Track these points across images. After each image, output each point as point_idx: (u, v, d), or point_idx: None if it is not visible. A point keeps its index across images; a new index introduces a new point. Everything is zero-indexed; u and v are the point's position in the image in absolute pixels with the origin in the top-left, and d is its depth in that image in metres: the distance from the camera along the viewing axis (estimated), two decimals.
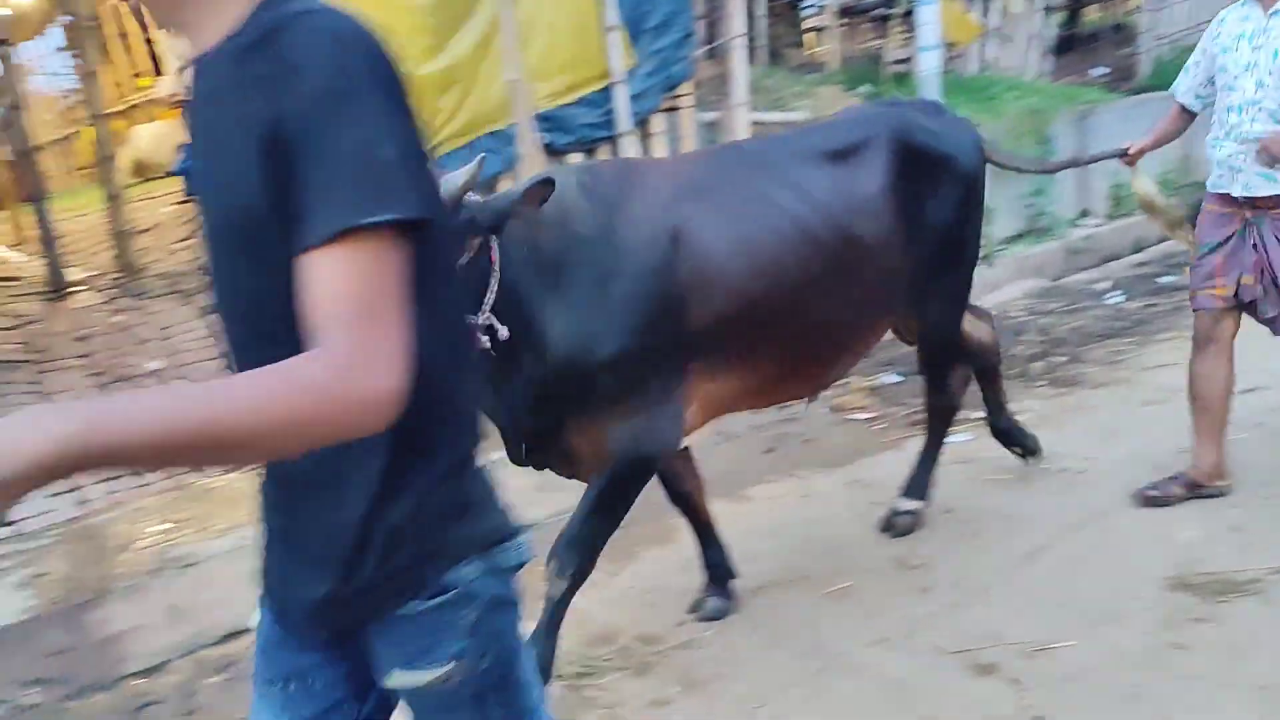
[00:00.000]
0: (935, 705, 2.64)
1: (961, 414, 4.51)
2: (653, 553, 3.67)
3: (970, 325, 3.60)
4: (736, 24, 6.43)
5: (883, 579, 3.29)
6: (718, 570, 3.24)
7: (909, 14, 8.59)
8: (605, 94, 5.89)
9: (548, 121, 5.59)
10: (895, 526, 3.56)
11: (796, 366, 2.95)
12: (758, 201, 2.77)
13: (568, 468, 2.78)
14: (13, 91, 7.45)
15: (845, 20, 10.25)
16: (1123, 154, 3.66)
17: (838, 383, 3.70)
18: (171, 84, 9.00)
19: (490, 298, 2.34)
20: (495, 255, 2.38)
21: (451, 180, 2.13)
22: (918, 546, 3.47)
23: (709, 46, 6.77)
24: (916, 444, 4.31)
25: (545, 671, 2.71)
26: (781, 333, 2.80)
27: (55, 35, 12.24)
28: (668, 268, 2.56)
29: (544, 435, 2.64)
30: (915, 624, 3.01)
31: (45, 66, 14.32)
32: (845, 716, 2.64)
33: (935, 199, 3.09)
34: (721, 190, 2.75)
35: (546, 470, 3.13)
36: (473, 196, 2.29)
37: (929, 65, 6.87)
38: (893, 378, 5.13)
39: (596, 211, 2.55)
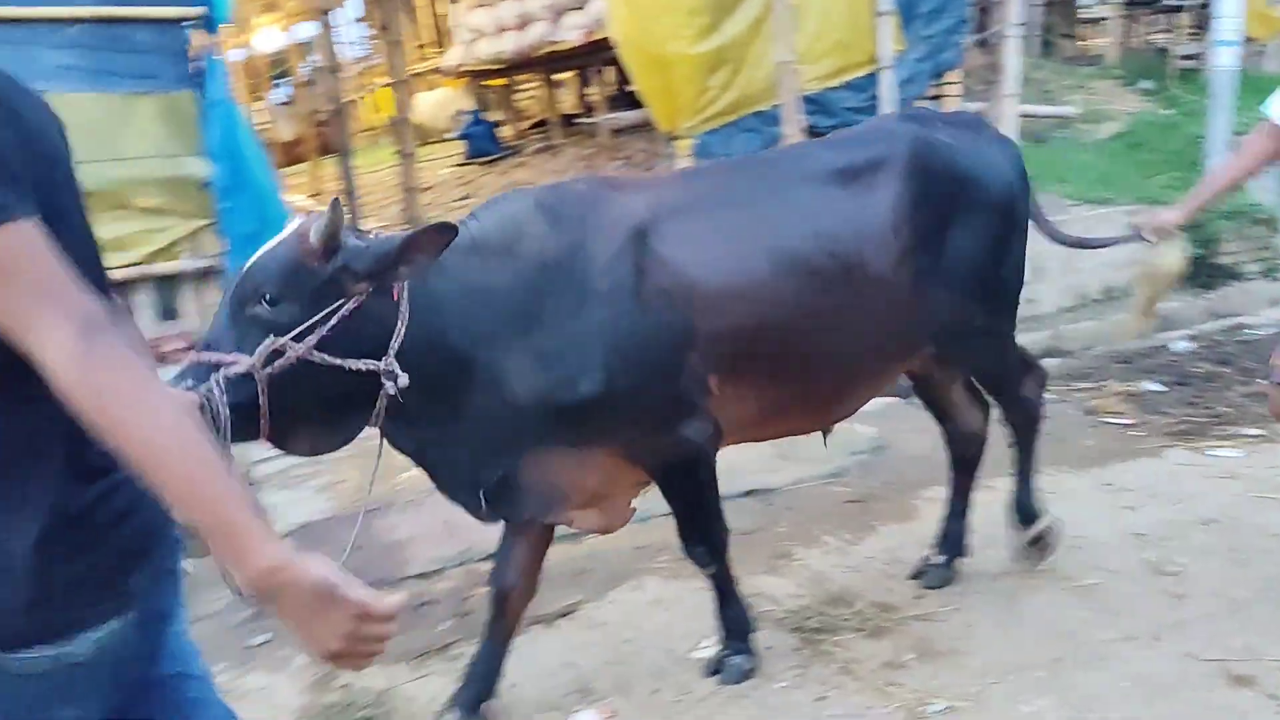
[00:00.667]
0: (1184, 706, 2.59)
1: (1233, 429, 4.32)
2: (891, 527, 3.74)
3: (962, 405, 3.24)
4: (1013, 12, 6.28)
5: (1133, 581, 3.23)
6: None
7: (1204, 5, 8.06)
8: (871, 78, 5.93)
9: (813, 104, 5.70)
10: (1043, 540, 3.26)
11: (794, 400, 2.75)
12: (750, 224, 2.58)
13: (547, 509, 2.57)
14: (329, 54, 8.29)
15: (1128, 11, 9.69)
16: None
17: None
18: (457, 55, 9.71)
19: (395, 343, 2.19)
20: (401, 297, 2.23)
21: (315, 227, 2.10)
22: (1174, 554, 3.36)
23: (981, 35, 6.64)
24: (1176, 454, 4.18)
25: (748, 624, 2.89)
26: (775, 364, 2.63)
27: (354, 6, 13.46)
28: (641, 293, 2.41)
29: (509, 480, 2.46)
30: (1165, 628, 2.95)
31: (342, 36, 15.69)
32: (1085, 704, 2.64)
33: (960, 227, 2.76)
34: (715, 209, 2.58)
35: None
36: (354, 240, 2.17)
37: (1224, 62, 6.45)
38: (1155, 385, 4.92)
39: (560, 235, 2.41)
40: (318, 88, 8.08)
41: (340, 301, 2.14)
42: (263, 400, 2.07)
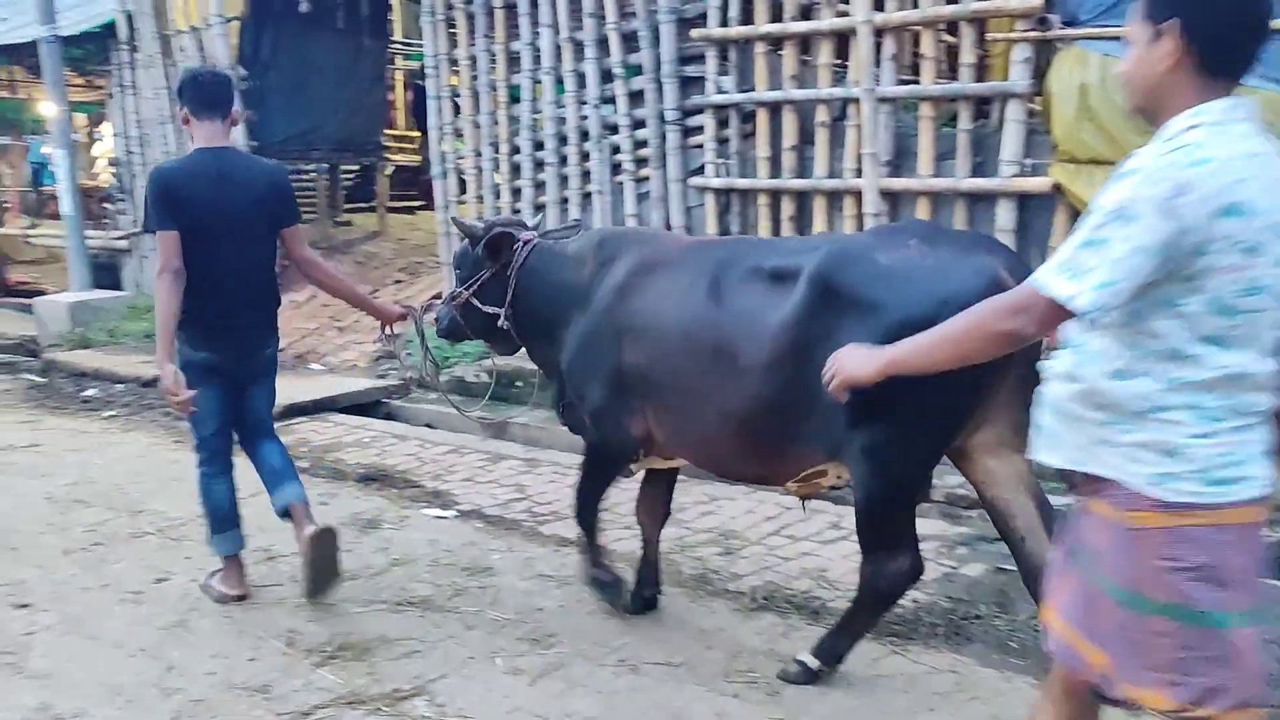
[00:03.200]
0: None
1: None
2: None
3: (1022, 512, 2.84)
4: None
5: None
6: None
7: None
8: None
9: None
10: (787, 674, 3.21)
11: (688, 441, 3.31)
12: (689, 291, 3.16)
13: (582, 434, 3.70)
14: None
15: None
16: None
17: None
18: None
19: (507, 299, 3.67)
20: (513, 274, 3.66)
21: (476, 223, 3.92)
22: None
23: None
24: None
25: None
26: (672, 405, 3.24)
27: None
28: (612, 319, 3.34)
29: (569, 405, 3.65)
30: None
31: None
32: None
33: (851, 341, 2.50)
34: (674, 274, 3.26)
35: None
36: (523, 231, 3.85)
37: None
38: None
39: (586, 268, 3.52)
40: None
41: (480, 273, 3.77)
42: (459, 319, 3.88)
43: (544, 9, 7.66)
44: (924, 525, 4.51)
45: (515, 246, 3.66)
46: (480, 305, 3.72)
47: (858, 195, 6.30)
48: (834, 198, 6.52)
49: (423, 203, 15.02)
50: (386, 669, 3.31)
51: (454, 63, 8.36)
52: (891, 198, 6.24)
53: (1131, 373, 1.85)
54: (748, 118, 6.93)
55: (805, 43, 6.59)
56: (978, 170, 5.94)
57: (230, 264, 3.69)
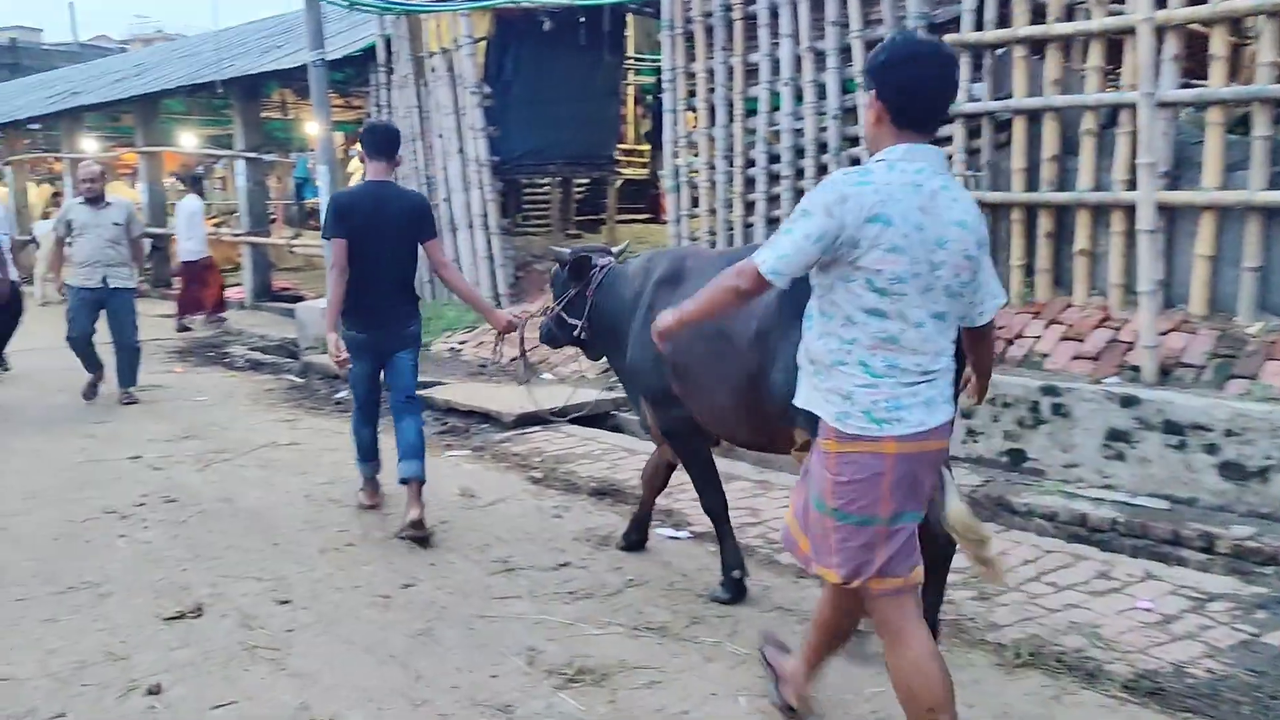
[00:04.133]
0: None
1: None
2: None
3: None
4: None
5: None
6: None
7: None
8: None
9: None
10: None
11: (706, 413, 3.81)
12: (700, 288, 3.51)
13: (647, 431, 4.45)
14: None
15: None
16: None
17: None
18: None
19: (584, 313, 4.37)
20: (591, 290, 4.34)
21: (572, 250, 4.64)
22: None
23: None
24: None
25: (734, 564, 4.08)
26: (690, 385, 3.77)
27: None
28: (648, 319, 3.58)
29: (637, 401, 4.30)
30: None
31: None
32: None
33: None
34: (695, 278, 3.72)
35: None
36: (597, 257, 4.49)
37: None
38: None
39: (637, 281, 4.16)
40: None
41: (568, 291, 4.45)
42: (554, 330, 4.59)
43: (784, 19, 7.51)
44: (1213, 582, 4.04)
45: (593, 270, 4.37)
46: (567, 318, 4.45)
47: (1128, 209, 5.77)
48: (1099, 212, 6.01)
49: (649, 215, 15.24)
50: (628, 699, 3.21)
51: (690, 75, 8.33)
52: (1168, 212, 5.67)
53: (825, 335, 2.51)
54: (1001, 127, 6.51)
55: (1068, 45, 6.12)
56: (1276, 182, 5.30)
57: (380, 266, 4.80)
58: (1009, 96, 6.34)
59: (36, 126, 21.18)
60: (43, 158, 21.70)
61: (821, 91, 7.42)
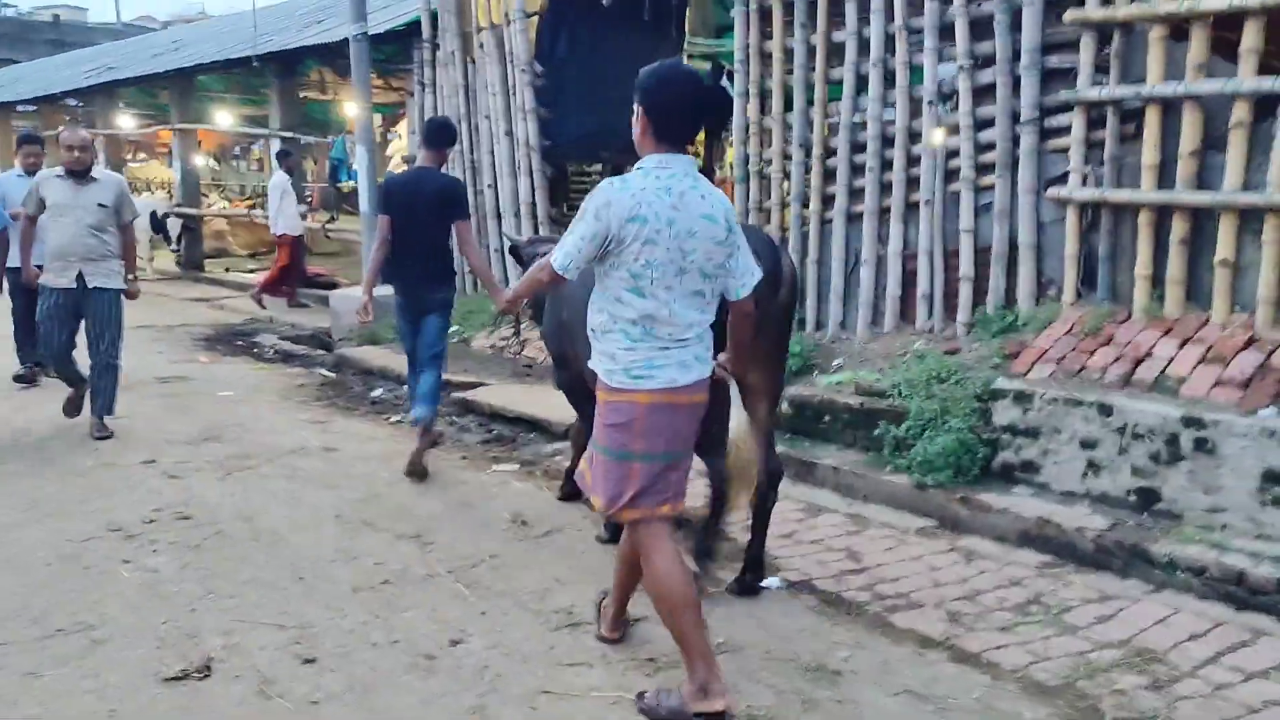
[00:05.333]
0: None
1: None
2: None
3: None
4: None
5: None
6: None
7: None
8: None
9: None
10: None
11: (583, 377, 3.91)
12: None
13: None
14: None
15: None
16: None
17: None
18: None
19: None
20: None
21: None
22: None
23: None
24: None
25: None
26: (569, 350, 4.28)
27: None
28: (553, 300, 4.60)
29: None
30: None
31: None
32: None
33: None
34: None
35: None
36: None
37: None
38: None
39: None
40: None
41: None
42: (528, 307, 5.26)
43: None
44: None
45: (528, 253, 5.12)
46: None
47: None
48: (1248, 216, 5.22)
49: None
50: None
51: (765, 56, 7.59)
52: None
53: (599, 310, 3.05)
54: (1128, 116, 5.73)
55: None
56: None
57: (413, 240, 5.53)
58: (1142, 82, 5.57)
59: (75, 103, 20.81)
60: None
61: (916, 74, 6.67)
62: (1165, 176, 5.55)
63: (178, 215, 15.12)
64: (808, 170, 7.38)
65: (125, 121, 19.33)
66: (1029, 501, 5.16)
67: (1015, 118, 6.16)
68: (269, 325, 10.92)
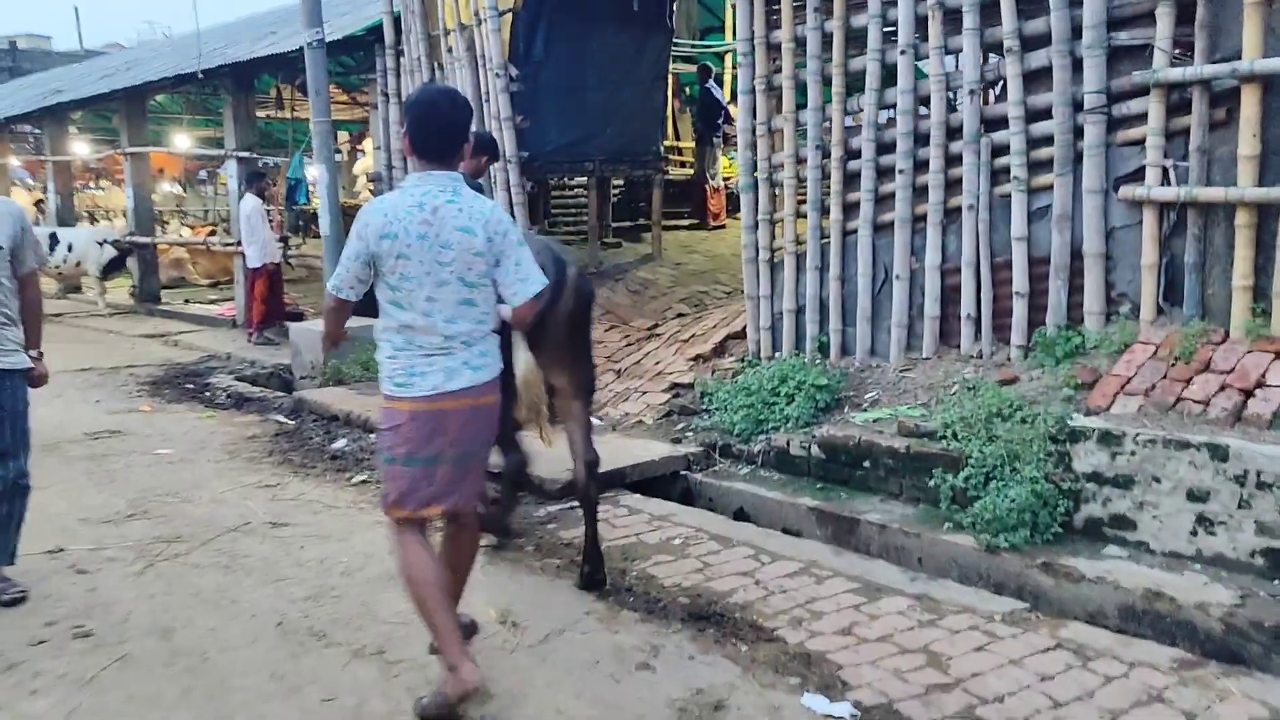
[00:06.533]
0: None
1: None
2: None
3: None
4: None
5: None
6: None
7: None
8: None
9: None
10: None
11: None
12: None
13: None
14: None
15: None
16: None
17: None
18: None
19: None
20: None
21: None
22: None
23: None
24: None
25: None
26: None
27: None
28: None
29: None
30: None
31: None
32: None
33: None
34: None
35: None
36: None
37: None
38: None
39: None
40: None
41: None
42: None
43: None
44: None
45: None
46: None
47: None
48: None
49: (693, 221, 13.56)
50: None
51: (773, 48, 6.67)
52: None
53: (378, 324, 3.19)
54: (1218, 100, 4.84)
55: None
56: None
57: None
58: (1236, 58, 4.68)
59: (29, 129, 19.74)
60: (29, 159, 20.23)
61: (953, 60, 5.78)
62: (1267, 169, 4.66)
63: (115, 245, 14.07)
64: (825, 175, 6.46)
65: (80, 148, 18.27)
66: (1126, 567, 4.25)
67: (1077, 106, 5.26)
68: (225, 363, 9.88)
